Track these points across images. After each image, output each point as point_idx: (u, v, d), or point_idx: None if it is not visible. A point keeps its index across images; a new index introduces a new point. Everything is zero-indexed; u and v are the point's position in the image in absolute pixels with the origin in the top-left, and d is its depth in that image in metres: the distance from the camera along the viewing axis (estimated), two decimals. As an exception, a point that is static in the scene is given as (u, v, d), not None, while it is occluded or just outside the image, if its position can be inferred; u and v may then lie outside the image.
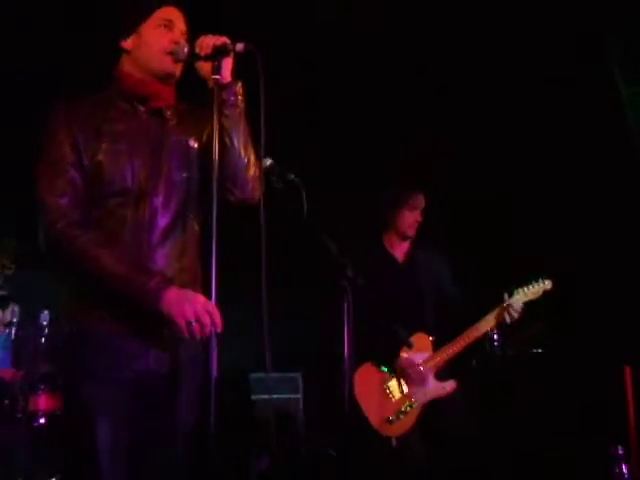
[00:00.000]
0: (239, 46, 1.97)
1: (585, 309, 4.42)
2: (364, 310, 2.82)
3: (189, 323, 1.85)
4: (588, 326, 4.34)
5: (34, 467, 3.60)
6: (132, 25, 2.11)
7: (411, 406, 3.33)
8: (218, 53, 1.97)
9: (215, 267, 1.83)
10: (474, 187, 4.89)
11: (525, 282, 3.47)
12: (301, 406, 4.92)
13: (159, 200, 2.04)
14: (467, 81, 4.73)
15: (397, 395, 3.36)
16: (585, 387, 4.07)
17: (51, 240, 1.95)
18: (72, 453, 2.01)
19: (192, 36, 2.11)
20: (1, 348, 4.09)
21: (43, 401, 3.77)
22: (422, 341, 3.43)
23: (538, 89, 4.67)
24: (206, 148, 2.07)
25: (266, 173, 2.54)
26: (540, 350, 4.37)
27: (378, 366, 3.39)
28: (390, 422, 3.29)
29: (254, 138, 2.10)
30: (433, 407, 3.36)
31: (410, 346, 3.14)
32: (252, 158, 2.11)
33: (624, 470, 3.50)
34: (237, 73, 2.06)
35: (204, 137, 2.13)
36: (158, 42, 2.07)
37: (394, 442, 3.27)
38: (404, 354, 3.37)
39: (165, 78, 2.11)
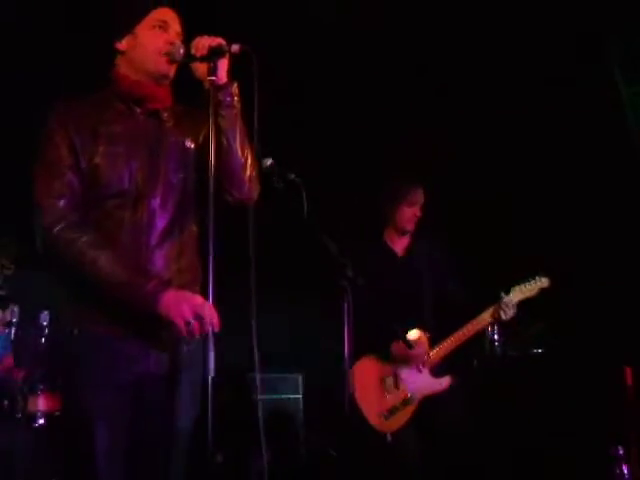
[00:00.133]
0: (234, 47, 1.97)
1: (586, 309, 4.42)
2: (363, 308, 2.82)
3: (188, 323, 1.86)
4: (589, 326, 4.34)
5: (34, 468, 3.59)
6: (127, 26, 2.10)
7: (406, 402, 3.33)
8: (214, 54, 1.97)
9: (212, 267, 1.83)
10: (474, 187, 4.89)
11: (522, 280, 3.48)
12: (301, 406, 4.92)
13: (156, 202, 2.04)
14: (467, 80, 4.73)
15: (392, 391, 3.37)
16: (585, 387, 4.07)
17: (48, 243, 1.95)
18: (71, 455, 2.01)
19: (187, 38, 2.11)
20: (1, 348, 4.09)
21: (43, 402, 3.77)
22: (418, 337, 3.43)
23: (538, 89, 4.67)
24: (203, 149, 2.07)
25: (266, 173, 2.54)
26: (541, 350, 4.37)
27: (375, 361, 3.39)
28: (385, 418, 3.30)
29: (251, 138, 2.10)
30: (429, 403, 3.37)
31: (411, 347, 3.14)
32: (249, 158, 2.11)
33: (624, 470, 3.51)
34: (233, 73, 2.06)
35: (200, 138, 2.13)
36: (153, 43, 2.07)
37: (389, 437, 3.28)
38: (400, 350, 3.37)
39: (160, 79, 2.11)
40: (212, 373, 1.78)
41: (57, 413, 3.71)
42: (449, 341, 3.42)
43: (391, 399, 3.35)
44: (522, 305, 3.47)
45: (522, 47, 4.48)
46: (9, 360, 3.97)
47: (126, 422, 1.97)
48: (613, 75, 4.59)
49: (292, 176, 2.61)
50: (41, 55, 4.19)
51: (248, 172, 2.11)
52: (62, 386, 2.13)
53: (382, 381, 3.38)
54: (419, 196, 3.58)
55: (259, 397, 3.84)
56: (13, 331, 4.02)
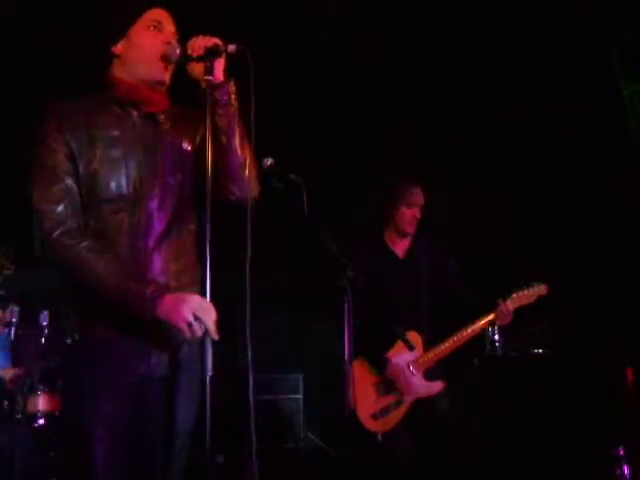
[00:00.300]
0: (231, 47, 1.97)
1: (586, 309, 4.42)
2: (362, 308, 2.82)
3: (189, 324, 1.86)
4: (589, 327, 4.34)
5: (33, 468, 3.59)
6: (121, 28, 2.10)
7: (398, 404, 3.34)
8: (210, 54, 1.97)
9: (209, 266, 1.84)
10: (473, 187, 4.88)
11: (519, 287, 3.48)
12: (301, 406, 4.91)
13: (154, 204, 2.04)
14: (467, 80, 4.73)
15: (385, 392, 3.36)
16: (586, 387, 4.06)
17: (47, 248, 1.96)
18: (70, 457, 2.01)
19: (181, 39, 2.10)
20: (1, 348, 4.09)
21: (42, 402, 3.77)
22: (414, 339, 3.43)
23: (538, 89, 4.66)
24: (201, 150, 2.06)
25: (266, 173, 2.54)
26: (541, 350, 4.36)
27: (369, 363, 3.39)
28: (375, 418, 3.30)
29: (250, 138, 2.09)
30: (421, 405, 3.37)
31: (411, 347, 3.14)
32: (249, 157, 2.11)
33: (625, 471, 3.50)
34: (234, 73, 2.06)
35: (198, 139, 2.14)
36: (149, 43, 2.07)
37: (379, 437, 3.29)
38: (394, 354, 3.37)
39: (155, 85, 2.11)
40: (210, 372, 1.79)
41: (57, 413, 3.71)
42: (444, 345, 3.41)
43: (383, 400, 3.34)
44: (521, 308, 3.48)
45: (522, 47, 4.48)
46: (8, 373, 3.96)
47: (126, 423, 1.97)
48: (613, 75, 4.59)
49: (292, 176, 2.61)
50: (40, 55, 4.19)
51: (249, 170, 2.10)
52: (62, 389, 2.13)
53: (375, 382, 3.37)
54: (418, 197, 3.54)
55: (258, 397, 3.84)
56: (13, 331, 4.02)
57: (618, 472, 3.52)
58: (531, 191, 4.82)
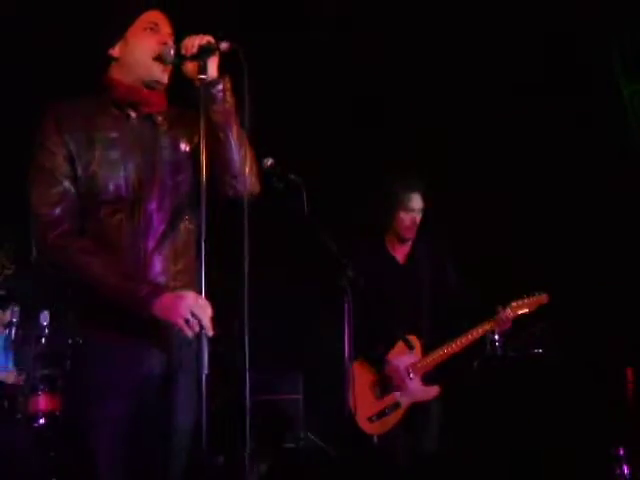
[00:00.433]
0: (224, 45, 1.98)
1: (586, 310, 4.42)
2: (362, 308, 2.82)
3: (187, 320, 1.86)
4: (589, 327, 4.34)
5: (34, 468, 3.59)
6: (119, 30, 2.10)
7: (395, 407, 3.34)
8: (203, 52, 1.98)
9: (204, 264, 1.87)
10: (473, 186, 4.88)
11: (520, 295, 3.48)
12: (301, 406, 4.91)
13: (153, 205, 2.04)
14: (467, 80, 4.73)
15: (382, 394, 3.37)
16: (586, 387, 4.06)
17: (44, 250, 1.96)
18: (71, 458, 2.02)
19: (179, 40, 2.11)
20: (1, 348, 4.09)
21: (43, 402, 3.77)
22: (413, 343, 3.43)
23: (538, 89, 4.66)
24: (198, 150, 2.06)
25: (267, 173, 2.54)
26: (541, 350, 4.36)
27: (366, 365, 3.39)
28: (371, 421, 3.31)
29: (250, 138, 2.10)
30: (417, 409, 3.38)
31: (411, 347, 3.14)
32: (249, 154, 2.11)
33: (625, 471, 3.50)
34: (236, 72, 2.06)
35: (196, 139, 2.12)
36: (145, 44, 2.08)
37: (375, 440, 3.30)
38: (393, 356, 3.37)
39: (153, 85, 2.11)
40: (206, 370, 1.80)
41: (57, 413, 3.71)
42: (443, 350, 3.41)
43: (381, 403, 3.35)
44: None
45: (522, 47, 4.48)
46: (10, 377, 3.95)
47: (127, 423, 1.97)
48: (613, 75, 4.59)
49: (292, 176, 2.61)
50: (40, 56, 4.19)
51: (249, 165, 2.11)
52: (64, 390, 2.13)
53: (373, 384, 3.38)
54: (416, 201, 3.47)
55: (258, 397, 3.84)
56: (13, 331, 4.02)
57: (618, 472, 3.51)
58: (531, 191, 4.82)
